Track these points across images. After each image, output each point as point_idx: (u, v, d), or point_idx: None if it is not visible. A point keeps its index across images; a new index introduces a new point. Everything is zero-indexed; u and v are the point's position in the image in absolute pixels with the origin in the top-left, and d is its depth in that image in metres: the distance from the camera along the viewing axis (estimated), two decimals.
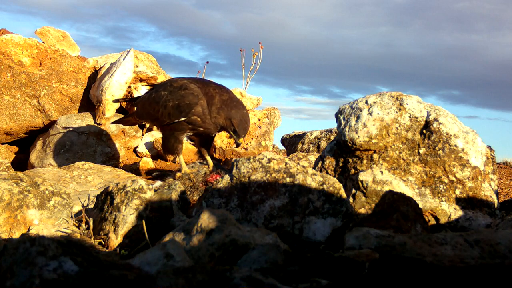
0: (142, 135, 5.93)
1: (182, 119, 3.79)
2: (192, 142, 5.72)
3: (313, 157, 4.52)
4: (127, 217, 2.40)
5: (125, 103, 5.96)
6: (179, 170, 3.97)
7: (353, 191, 2.59)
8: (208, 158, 4.11)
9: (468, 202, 2.67)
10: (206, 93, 3.77)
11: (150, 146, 5.70)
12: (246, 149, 5.97)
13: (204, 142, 4.13)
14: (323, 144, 5.88)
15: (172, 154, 4.06)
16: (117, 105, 5.69)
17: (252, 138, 5.99)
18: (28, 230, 2.43)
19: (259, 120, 6.10)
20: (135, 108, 4.39)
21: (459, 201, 2.66)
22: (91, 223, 2.49)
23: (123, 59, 5.79)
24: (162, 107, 3.86)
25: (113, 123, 5.02)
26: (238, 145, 3.75)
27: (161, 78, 6.29)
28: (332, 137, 5.81)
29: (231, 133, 3.72)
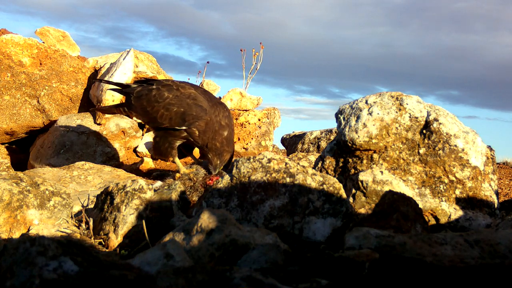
0: (142, 135, 5.93)
1: (184, 128, 3.75)
2: None
3: (313, 157, 4.52)
4: (127, 217, 2.40)
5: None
6: (178, 172, 3.97)
7: (353, 191, 2.59)
8: (192, 157, 4.17)
9: (468, 202, 2.67)
10: (215, 115, 3.76)
11: (150, 146, 5.70)
12: (246, 149, 5.97)
13: (187, 144, 4.11)
14: (323, 144, 5.88)
15: (164, 157, 3.99)
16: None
17: (252, 138, 6.00)
18: (28, 230, 2.43)
19: (259, 120, 6.10)
20: (126, 100, 4.14)
21: (459, 201, 2.66)
22: (91, 223, 2.49)
23: (123, 59, 5.80)
24: (164, 109, 3.76)
25: (91, 110, 5.01)
26: (210, 173, 3.78)
27: (161, 78, 6.30)
28: (332, 137, 5.81)
29: (213, 164, 3.82)
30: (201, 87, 4.15)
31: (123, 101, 5.94)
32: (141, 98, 3.94)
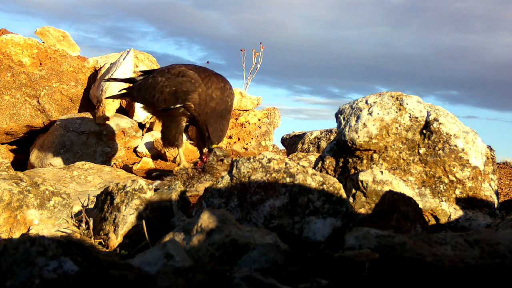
0: (142, 135, 5.93)
1: (178, 105, 3.84)
2: (192, 142, 5.72)
3: (313, 157, 4.52)
4: (127, 217, 2.40)
5: (125, 102, 5.96)
6: (178, 165, 4.00)
7: (353, 191, 2.59)
8: (204, 149, 4.16)
9: (468, 202, 2.67)
10: (207, 87, 3.82)
11: (150, 146, 5.70)
12: (246, 149, 5.97)
13: (200, 134, 4.15)
14: (323, 144, 5.88)
15: (172, 146, 4.07)
16: (117, 104, 5.69)
17: (252, 138, 6.00)
18: (28, 230, 2.43)
19: (259, 120, 6.10)
20: (128, 91, 4.37)
21: (459, 201, 2.66)
22: (91, 223, 2.49)
23: (123, 59, 5.80)
24: (159, 92, 3.91)
25: (107, 98, 5.13)
26: (210, 150, 3.80)
27: None
28: (332, 137, 5.81)
29: (205, 138, 3.85)
30: (195, 65, 4.21)
31: (123, 104, 5.96)
32: (141, 89, 4.15)
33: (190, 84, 3.79)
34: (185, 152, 5.19)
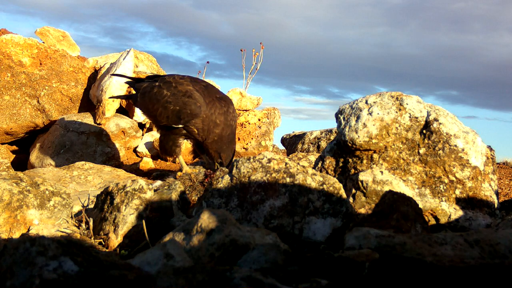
0: (142, 135, 5.93)
1: (180, 126, 3.81)
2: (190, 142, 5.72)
3: (313, 157, 4.51)
4: (127, 217, 2.40)
5: (125, 102, 5.96)
6: (180, 170, 3.98)
7: (353, 191, 2.59)
8: (205, 157, 4.15)
9: (468, 202, 2.67)
10: (210, 112, 3.77)
11: (150, 146, 5.70)
12: (246, 149, 5.97)
13: (199, 145, 4.13)
14: (323, 144, 5.88)
15: (169, 156, 4.08)
16: (117, 104, 5.69)
17: (252, 138, 6.00)
18: (28, 230, 2.43)
19: (259, 120, 6.10)
20: (134, 92, 4.26)
21: (459, 201, 2.66)
22: (91, 223, 2.49)
23: (123, 59, 5.80)
24: (162, 107, 3.83)
25: (110, 97, 5.10)
26: (214, 170, 3.82)
27: None
28: (332, 137, 5.80)
29: (216, 162, 3.88)
30: (202, 82, 4.14)
31: (123, 103, 5.95)
32: (144, 96, 4.02)
33: (195, 107, 3.72)
34: (184, 151, 5.19)
